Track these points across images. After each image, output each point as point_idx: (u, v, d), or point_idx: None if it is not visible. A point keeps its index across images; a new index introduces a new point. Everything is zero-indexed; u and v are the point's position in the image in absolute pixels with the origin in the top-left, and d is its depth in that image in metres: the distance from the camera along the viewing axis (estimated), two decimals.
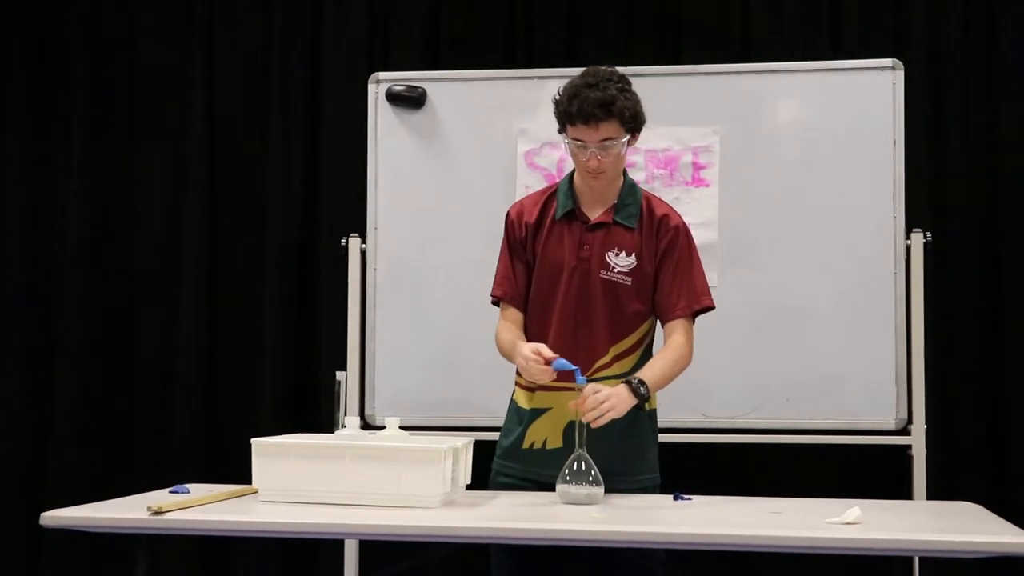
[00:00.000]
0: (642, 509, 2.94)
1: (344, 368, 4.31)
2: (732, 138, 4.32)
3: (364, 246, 4.43)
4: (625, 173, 3.30)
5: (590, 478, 2.90)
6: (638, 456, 3.22)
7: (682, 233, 3.24)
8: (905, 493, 4.14)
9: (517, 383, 3.30)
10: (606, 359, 3.17)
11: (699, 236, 4.22)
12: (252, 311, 4.90)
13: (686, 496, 3.10)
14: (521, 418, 3.26)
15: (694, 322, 3.24)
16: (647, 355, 3.22)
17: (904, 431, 4.18)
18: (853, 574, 4.47)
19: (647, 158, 4.33)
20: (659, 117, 4.30)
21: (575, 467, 2.91)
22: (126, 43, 5.10)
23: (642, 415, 3.20)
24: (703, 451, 4.35)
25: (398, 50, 4.90)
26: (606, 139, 3.11)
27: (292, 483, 2.88)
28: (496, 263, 3.32)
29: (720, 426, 4.26)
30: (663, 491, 3.20)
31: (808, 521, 2.69)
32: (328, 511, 2.77)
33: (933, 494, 4.11)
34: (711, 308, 3.26)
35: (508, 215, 3.33)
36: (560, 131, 3.20)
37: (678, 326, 3.20)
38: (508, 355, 3.21)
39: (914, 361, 4.19)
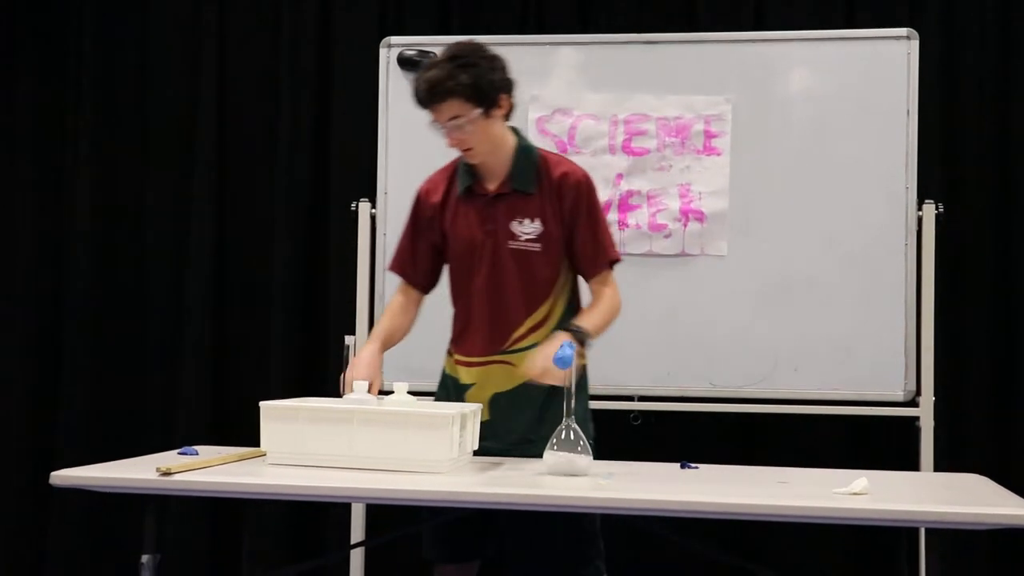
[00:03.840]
0: (649, 477, 2.95)
1: (353, 333, 4.32)
2: (744, 107, 4.30)
3: (374, 211, 4.43)
4: (520, 136, 3.25)
5: (578, 447, 2.86)
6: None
7: (584, 188, 3.20)
8: (912, 464, 4.14)
9: (450, 352, 3.32)
10: (522, 330, 3.18)
11: (710, 205, 4.28)
12: (262, 275, 4.90)
13: (693, 465, 3.10)
14: (447, 388, 3.29)
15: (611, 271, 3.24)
16: (566, 320, 3.19)
17: (912, 403, 4.18)
18: (859, 545, 4.48)
19: (659, 126, 4.32)
20: (671, 85, 4.34)
21: (563, 436, 2.87)
22: (136, 10, 5.08)
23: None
24: (711, 420, 4.35)
25: (409, 15, 4.87)
26: (452, 118, 3.09)
27: (300, 446, 2.88)
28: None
29: (728, 395, 4.26)
30: (667, 460, 3.20)
31: (815, 491, 2.70)
32: (336, 474, 2.78)
33: (940, 466, 4.12)
34: (619, 260, 3.25)
35: (417, 193, 3.33)
36: None
37: (603, 279, 3.20)
38: None
39: (923, 333, 4.18)
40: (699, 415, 4.28)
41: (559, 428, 2.89)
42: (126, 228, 5.03)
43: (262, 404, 2.95)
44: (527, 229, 3.18)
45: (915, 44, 4.23)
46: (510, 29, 4.69)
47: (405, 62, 4.40)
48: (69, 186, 5.06)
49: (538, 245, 3.17)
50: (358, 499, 3.88)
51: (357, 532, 4.38)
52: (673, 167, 4.32)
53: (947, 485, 2.97)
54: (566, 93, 4.39)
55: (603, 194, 4.27)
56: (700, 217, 4.28)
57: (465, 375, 3.24)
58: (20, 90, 5.14)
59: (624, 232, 4.31)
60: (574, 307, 3.25)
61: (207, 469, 2.84)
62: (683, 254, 4.30)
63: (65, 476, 2.75)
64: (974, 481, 3.01)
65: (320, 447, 2.87)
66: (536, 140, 4.34)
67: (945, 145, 4.56)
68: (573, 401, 2.90)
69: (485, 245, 3.19)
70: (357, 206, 4.44)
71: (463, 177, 3.24)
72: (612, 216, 4.31)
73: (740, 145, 4.29)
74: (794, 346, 4.23)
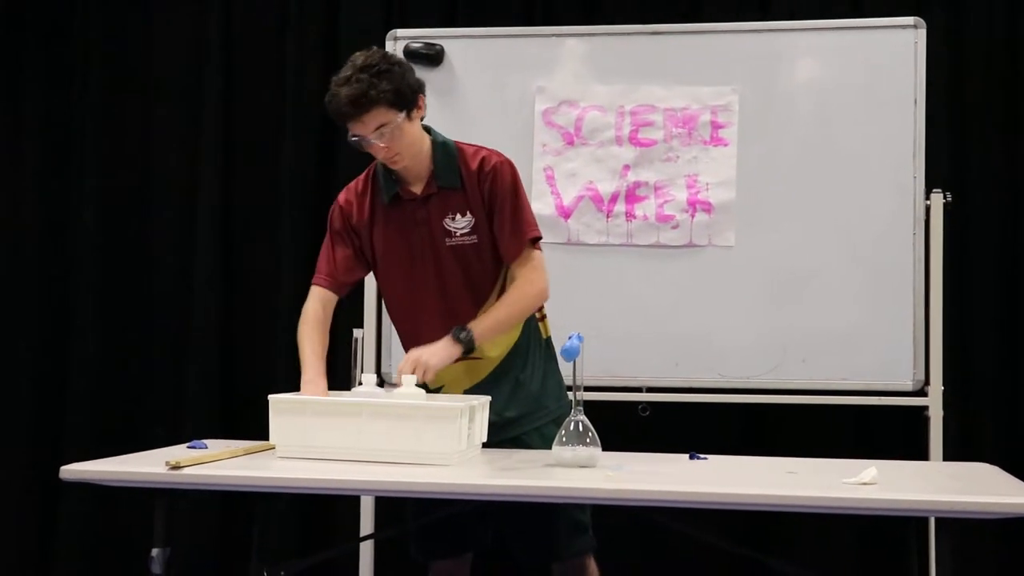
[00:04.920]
0: (657, 468, 2.94)
1: (361, 326, 4.32)
2: (751, 97, 4.29)
3: None
4: (433, 132, 3.24)
5: (587, 440, 2.87)
6: (540, 392, 3.23)
7: (498, 173, 3.18)
8: (921, 454, 4.14)
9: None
10: None
11: (717, 196, 4.27)
12: (268, 267, 4.90)
13: (702, 456, 3.10)
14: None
15: (536, 250, 3.21)
16: None
17: (921, 392, 4.18)
18: (868, 534, 4.48)
19: (666, 117, 4.31)
20: (678, 76, 4.33)
21: (571, 428, 2.89)
22: (141, 6, 5.08)
23: (534, 347, 3.24)
24: (720, 411, 4.35)
25: (416, 7, 4.87)
26: (378, 127, 3.06)
27: (309, 439, 2.89)
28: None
29: (737, 386, 4.26)
30: (676, 451, 3.20)
31: (824, 481, 2.70)
32: (344, 467, 2.78)
33: (949, 455, 4.11)
34: (539, 238, 3.23)
35: (337, 205, 3.29)
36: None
37: (523, 259, 3.18)
38: (300, 351, 3.26)
39: (932, 322, 4.17)
40: (707, 406, 4.28)
41: (567, 420, 2.90)
42: (133, 223, 5.03)
43: (271, 397, 2.96)
44: (460, 224, 3.18)
45: (922, 33, 4.22)
46: (516, 21, 4.69)
47: (412, 55, 4.39)
48: (77, 182, 5.06)
49: (474, 237, 3.17)
50: (367, 492, 3.89)
51: (366, 525, 4.38)
52: (680, 158, 4.31)
53: (956, 475, 2.97)
54: (572, 85, 4.38)
55: (610, 185, 4.31)
56: (707, 208, 4.28)
57: (430, 380, 3.22)
58: (27, 92, 5.13)
59: (631, 223, 4.31)
60: None
61: (216, 463, 2.85)
62: (690, 245, 4.30)
63: (74, 470, 2.76)
64: (983, 470, 3.01)
65: (329, 440, 2.88)
66: (542, 132, 4.35)
67: (953, 134, 4.55)
68: (580, 393, 2.91)
69: (424, 248, 3.19)
70: None
71: (387, 185, 3.21)
72: (619, 207, 4.31)
73: (747, 135, 4.29)
74: (802, 336, 4.22)
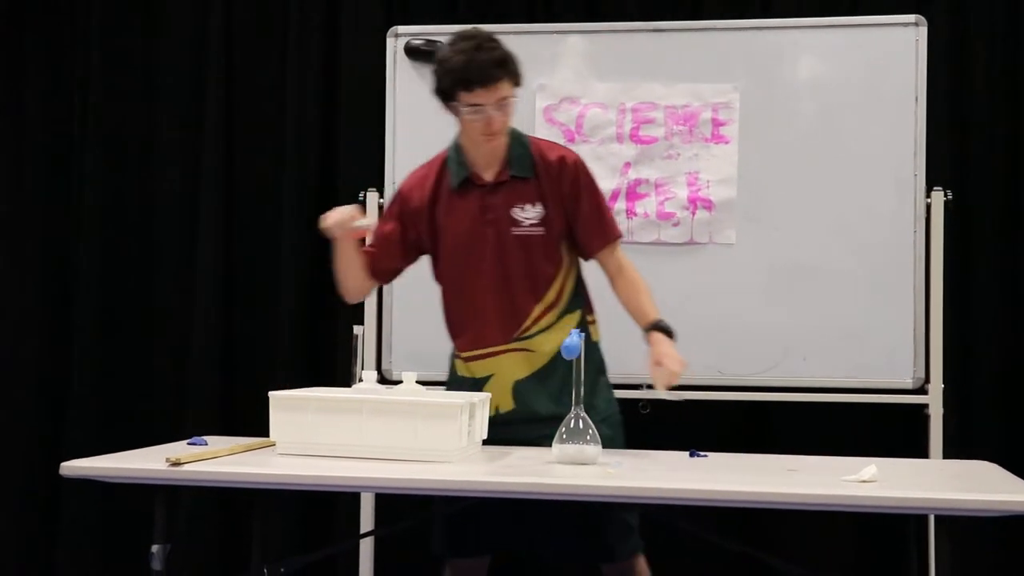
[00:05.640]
0: (658, 466, 2.95)
1: (361, 323, 4.32)
2: (752, 94, 4.29)
3: (382, 200, 4.42)
4: None
5: (587, 436, 2.88)
6: (590, 391, 3.20)
7: (581, 169, 3.24)
8: (921, 452, 4.14)
9: (456, 355, 3.31)
10: (535, 314, 3.20)
11: (718, 193, 4.28)
12: (269, 264, 4.90)
13: (702, 453, 3.10)
14: (463, 389, 3.25)
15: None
16: (571, 305, 3.24)
17: (921, 390, 4.18)
18: (868, 532, 4.48)
19: (666, 114, 4.31)
20: (679, 73, 4.33)
21: (572, 425, 2.88)
22: (142, 3, 5.08)
23: (586, 348, 3.23)
24: (720, 409, 4.35)
25: (417, 4, 4.87)
26: (502, 98, 3.09)
27: (309, 436, 2.89)
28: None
29: (737, 384, 4.26)
30: (676, 449, 3.20)
31: (824, 479, 2.70)
32: (345, 464, 2.78)
33: (949, 453, 4.11)
34: (621, 236, 3.36)
35: (399, 193, 3.32)
36: (447, 101, 3.14)
37: (615, 255, 3.28)
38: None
39: (932, 320, 4.18)
40: (708, 404, 4.28)
41: (567, 418, 2.89)
42: (133, 218, 5.03)
43: (271, 394, 2.96)
44: (529, 214, 3.19)
45: (923, 30, 4.22)
46: (517, 17, 4.69)
47: (413, 52, 4.40)
48: (77, 184, 5.05)
49: (541, 229, 3.18)
50: (367, 489, 3.89)
51: (367, 522, 4.38)
52: (681, 155, 4.31)
53: (956, 472, 2.97)
54: (573, 82, 4.38)
55: (610, 183, 4.31)
56: (708, 205, 4.28)
57: (480, 369, 3.23)
58: (27, 96, 5.14)
59: (632, 221, 4.31)
60: (580, 285, 3.30)
61: (216, 459, 2.85)
62: (691, 243, 4.30)
63: (75, 467, 2.76)
64: (983, 468, 3.01)
65: (329, 437, 2.88)
66: (543, 129, 4.35)
67: (954, 132, 4.54)
68: (582, 389, 2.91)
69: (487, 235, 3.19)
70: (365, 196, 4.44)
71: (457, 169, 3.22)
72: (620, 205, 4.31)
73: (748, 133, 4.29)
74: (803, 334, 4.22)
